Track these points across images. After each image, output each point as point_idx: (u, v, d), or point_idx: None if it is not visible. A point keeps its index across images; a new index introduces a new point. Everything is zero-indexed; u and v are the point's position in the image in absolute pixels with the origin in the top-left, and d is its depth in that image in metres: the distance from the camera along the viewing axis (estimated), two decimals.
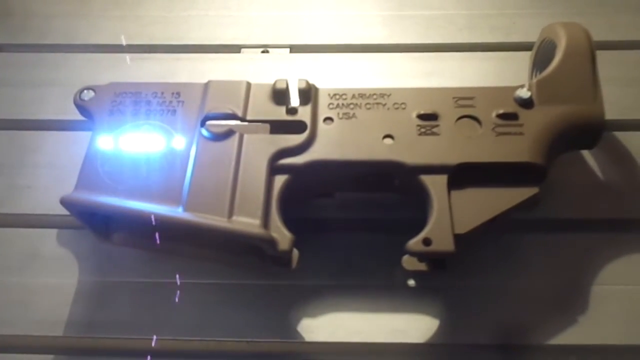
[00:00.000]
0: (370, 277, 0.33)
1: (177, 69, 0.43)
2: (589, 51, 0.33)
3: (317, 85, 0.34)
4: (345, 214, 0.35)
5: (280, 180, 0.31)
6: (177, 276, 0.33)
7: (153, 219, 0.29)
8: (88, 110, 0.34)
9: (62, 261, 0.34)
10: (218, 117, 0.33)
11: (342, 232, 0.35)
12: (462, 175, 0.31)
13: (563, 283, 0.33)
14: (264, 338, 0.32)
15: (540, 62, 0.37)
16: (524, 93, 0.33)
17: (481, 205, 0.30)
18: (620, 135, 0.38)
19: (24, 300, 0.33)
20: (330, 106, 0.34)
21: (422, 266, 0.30)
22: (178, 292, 0.33)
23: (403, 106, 0.33)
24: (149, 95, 0.34)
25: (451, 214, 0.30)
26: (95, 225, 0.32)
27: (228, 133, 0.32)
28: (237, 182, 0.31)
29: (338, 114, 0.33)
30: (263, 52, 0.44)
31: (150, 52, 0.44)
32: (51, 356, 0.32)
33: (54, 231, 0.35)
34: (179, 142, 0.32)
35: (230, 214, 0.30)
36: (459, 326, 0.32)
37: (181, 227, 0.30)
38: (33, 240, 0.35)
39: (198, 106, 0.34)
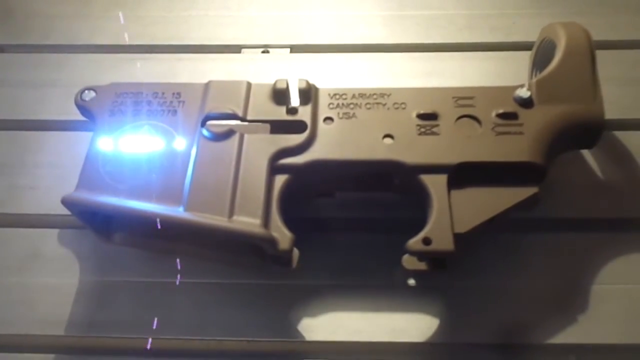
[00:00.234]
0: (370, 277, 0.33)
1: (177, 69, 0.43)
2: (588, 51, 0.33)
3: (317, 85, 0.34)
4: (345, 213, 0.35)
5: (280, 180, 0.31)
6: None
7: (154, 219, 0.30)
8: (89, 111, 0.34)
9: (63, 261, 0.34)
10: (218, 117, 0.33)
11: (342, 231, 0.35)
12: (462, 175, 0.31)
13: (563, 282, 0.33)
14: (264, 337, 0.32)
15: (540, 61, 0.37)
16: (524, 93, 0.33)
17: (481, 204, 0.30)
18: (620, 134, 0.38)
19: (25, 300, 0.33)
20: (331, 106, 0.34)
21: (422, 265, 0.30)
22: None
23: (403, 106, 0.33)
24: (149, 96, 0.34)
25: (451, 214, 0.30)
26: (96, 225, 0.32)
27: (228, 133, 0.32)
28: (238, 182, 0.31)
29: (338, 113, 0.33)
30: (263, 52, 0.44)
31: (150, 52, 0.44)
32: (52, 355, 0.32)
33: (55, 231, 0.36)
34: (180, 142, 0.33)
35: (231, 214, 0.30)
36: (459, 325, 0.32)
37: (182, 226, 0.30)
38: (34, 240, 0.35)
39: (198, 106, 0.34)
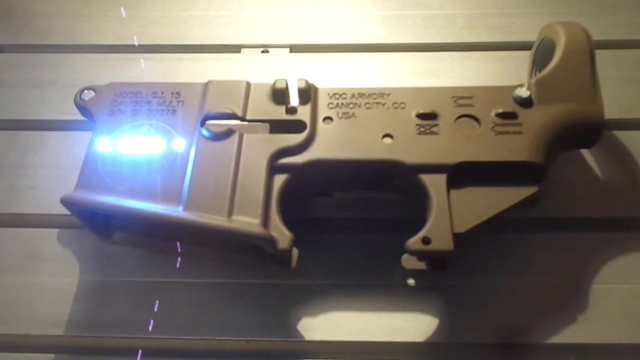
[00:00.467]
0: (369, 277, 0.33)
1: (177, 68, 0.43)
2: (588, 50, 0.33)
3: (317, 85, 0.34)
4: (344, 213, 0.35)
5: (280, 179, 0.31)
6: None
7: (153, 219, 0.30)
8: (88, 110, 0.34)
9: (63, 261, 0.34)
10: (218, 117, 0.33)
11: (342, 231, 0.35)
12: (462, 175, 0.31)
13: (563, 282, 0.33)
14: (264, 337, 0.32)
15: (540, 61, 0.37)
16: (523, 92, 0.33)
17: (480, 204, 0.30)
18: (620, 134, 0.38)
19: (25, 300, 0.33)
20: (330, 106, 0.34)
21: (421, 265, 0.30)
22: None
23: (402, 105, 0.33)
24: (149, 95, 0.34)
25: (450, 213, 0.30)
26: (95, 225, 0.32)
27: (228, 133, 0.32)
28: (237, 182, 0.31)
29: (337, 113, 0.33)
30: (263, 52, 0.44)
31: (150, 52, 0.44)
32: (52, 355, 0.32)
33: (55, 231, 0.36)
34: (179, 141, 0.33)
35: (230, 213, 0.30)
36: (458, 325, 0.32)
37: (181, 226, 0.30)
38: (34, 240, 0.35)
39: (198, 106, 0.34)
